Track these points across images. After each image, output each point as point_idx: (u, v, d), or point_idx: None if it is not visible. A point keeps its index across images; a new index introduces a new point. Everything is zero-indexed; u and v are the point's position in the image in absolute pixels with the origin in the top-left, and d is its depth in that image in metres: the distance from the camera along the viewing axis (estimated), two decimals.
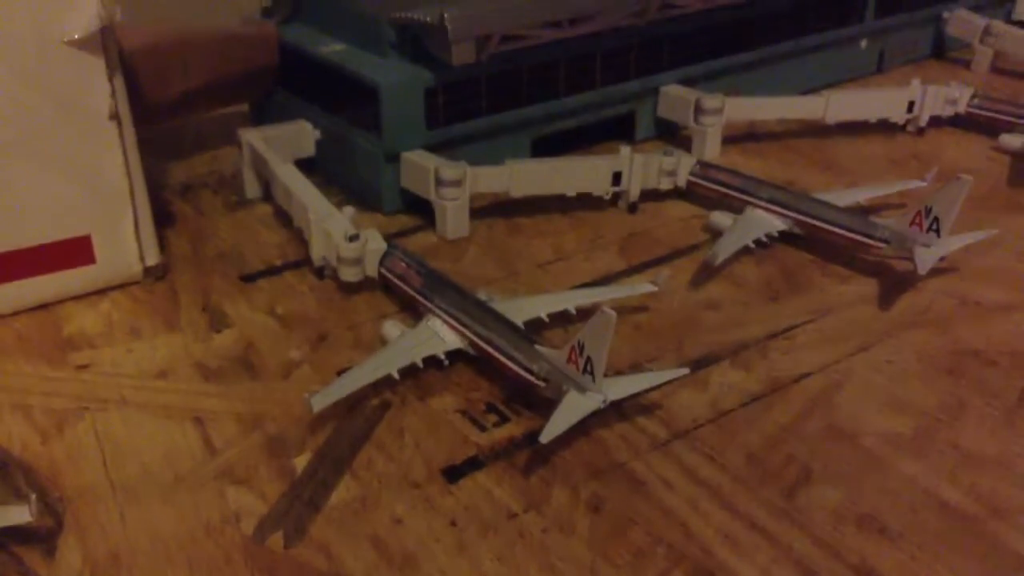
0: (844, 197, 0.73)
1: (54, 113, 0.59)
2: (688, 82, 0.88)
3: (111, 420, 0.53)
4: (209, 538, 0.46)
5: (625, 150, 0.75)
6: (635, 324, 0.62)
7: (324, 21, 0.81)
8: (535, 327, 0.59)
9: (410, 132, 0.74)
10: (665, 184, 0.77)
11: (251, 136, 0.77)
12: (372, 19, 0.75)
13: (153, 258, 0.66)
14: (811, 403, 0.54)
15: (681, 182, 0.77)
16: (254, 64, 0.81)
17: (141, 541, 0.45)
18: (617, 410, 0.53)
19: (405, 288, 0.61)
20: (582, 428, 0.51)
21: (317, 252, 0.66)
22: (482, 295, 0.60)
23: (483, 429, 0.53)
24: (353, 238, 0.63)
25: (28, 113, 0.59)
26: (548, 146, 0.83)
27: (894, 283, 0.66)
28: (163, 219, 0.74)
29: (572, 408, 0.49)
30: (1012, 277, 0.67)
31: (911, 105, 0.89)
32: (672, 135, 0.90)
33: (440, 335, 0.57)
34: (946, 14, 1.08)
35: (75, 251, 0.63)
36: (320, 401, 0.51)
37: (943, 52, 1.12)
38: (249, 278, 0.68)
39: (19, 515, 0.45)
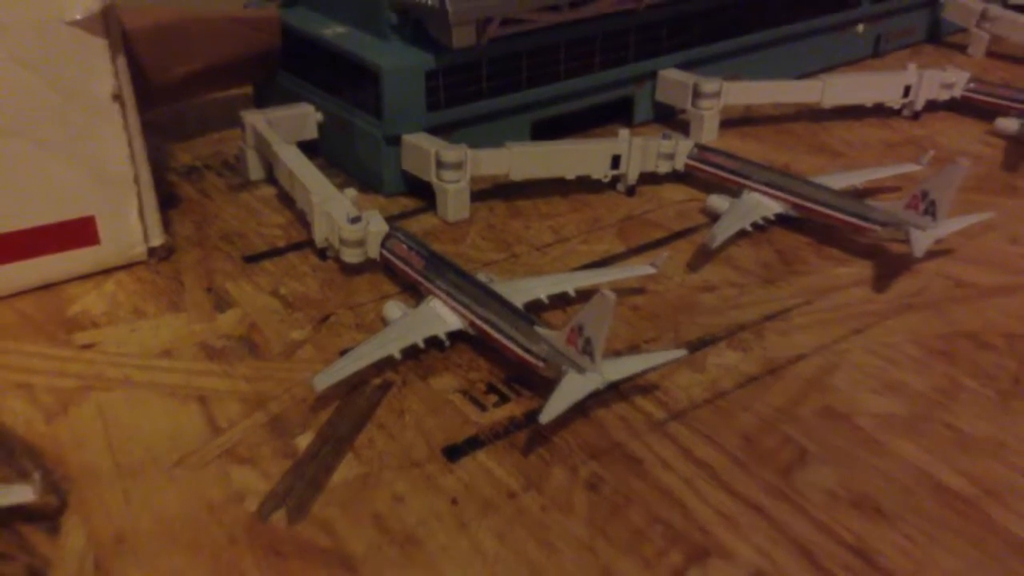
0: (840, 180, 0.73)
1: (57, 94, 0.59)
2: (686, 66, 0.88)
3: (115, 400, 0.53)
4: (212, 517, 0.46)
5: (624, 133, 0.75)
6: (633, 306, 0.62)
7: (326, 4, 0.81)
8: (535, 308, 0.59)
9: (411, 115, 0.74)
10: (663, 167, 0.77)
11: (254, 118, 0.77)
12: (374, 2, 0.75)
13: (157, 239, 0.66)
14: (807, 384, 0.54)
15: (679, 165, 0.77)
16: (257, 46, 0.80)
17: (145, 520, 0.45)
18: (615, 391, 0.54)
19: (406, 269, 0.62)
20: (581, 408, 0.51)
21: (319, 234, 0.66)
22: (482, 277, 0.60)
23: (483, 409, 0.53)
24: (355, 220, 0.63)
25: (30, 94, 0.58)
26: (548, 129, 0.82)
27: (890, 266, 0.66)
28: (167, 200, 0.74)
29: (571, 389, 0.49)
30: (1007, 260, 0.67)
31: (907, 89, 0.89)
32: (670, 119, 0.90)
33: (441, 316, 0.57)
34: None
35: (79, 232, 0.63)
36: (322, 381, 0.52)
37: (939, 36, 1.12)
38: (252, 259, 0.68)
39: (23, 494, 0.45)
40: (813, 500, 0.46)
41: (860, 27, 1.03)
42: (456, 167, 0.71)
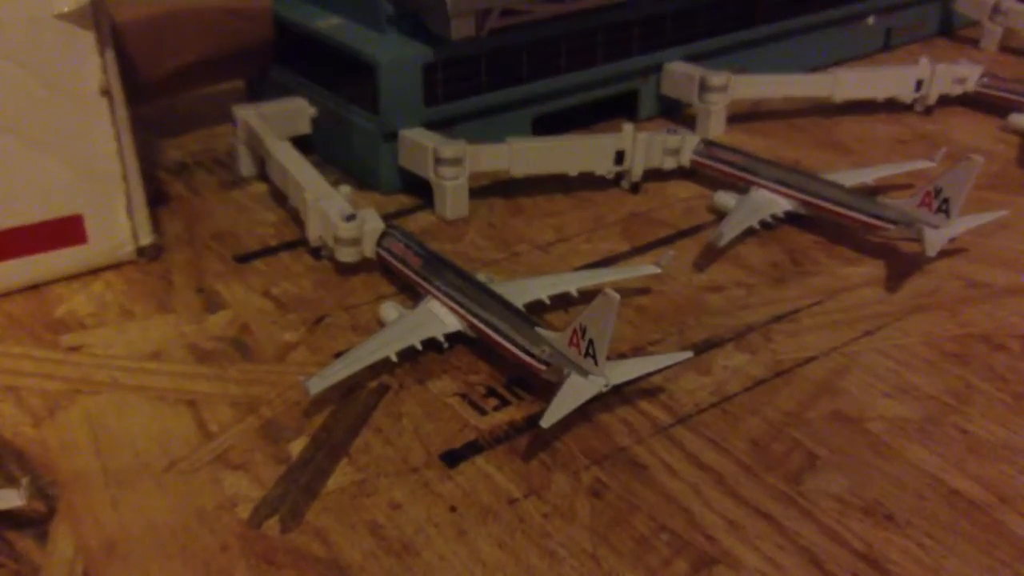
0: (851, 177, 0.72)
1: (43, 89, 0.58)
2: (692, 59, 0.87)
3: (103, 403, 0.53)
4: (204, 525, 0.45)
5: (628, 128, 0.74)
6: (638, 306, 0.61)
7: None
8: (536, 309, 0.59)
9: (408, 109, 0.73)
10: (669, 163, 0.76)
11: (246, 113, 0.76)
12: None
13: (146, 238, 0.66)
14: (817, 387, 0.54)
15: (685, 161, 0.76)
16: (250, 39, 0.80)
17: (135, 527, 0.45)
18: (619, 394, 0.53)
19: (403, 269, 0.61)
20: (584, 412, 0.51)
21: (313, 232, 0.65)
22: (482, 277, 0.60)
23: (483, 413, 0.52)
24: (350, 218, 0.63)
25: (16, 89, 0.58)
26: (549, 124, 0.82)
27: (902, 265, 0.65)
28: (157, 198, 0.74)
29: (574, 392, 0.49)
30: (1022, 259, 0.66)
31: (919, 84, 0.89)
32: (676, 113, 0.90)
33: (439, 317, 0.57)
34: None
35: (66, 231, 0.62)
36: (317, 384, 0.51)
37: (951, 30, 1.12)
38: (244, 258, 0.67)
39: (10, 499, 0.44)
40: (822, 506, 0.46)
41: (871, 20, 1.02)
42: (455, 163, 0.70)
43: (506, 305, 0.55)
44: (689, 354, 0.54)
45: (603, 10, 0.79)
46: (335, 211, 0.63)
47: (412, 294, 0.61)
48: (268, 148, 0.72)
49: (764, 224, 0.69)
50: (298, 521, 0.45)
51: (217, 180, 0.79)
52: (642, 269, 0.62)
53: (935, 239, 0.62)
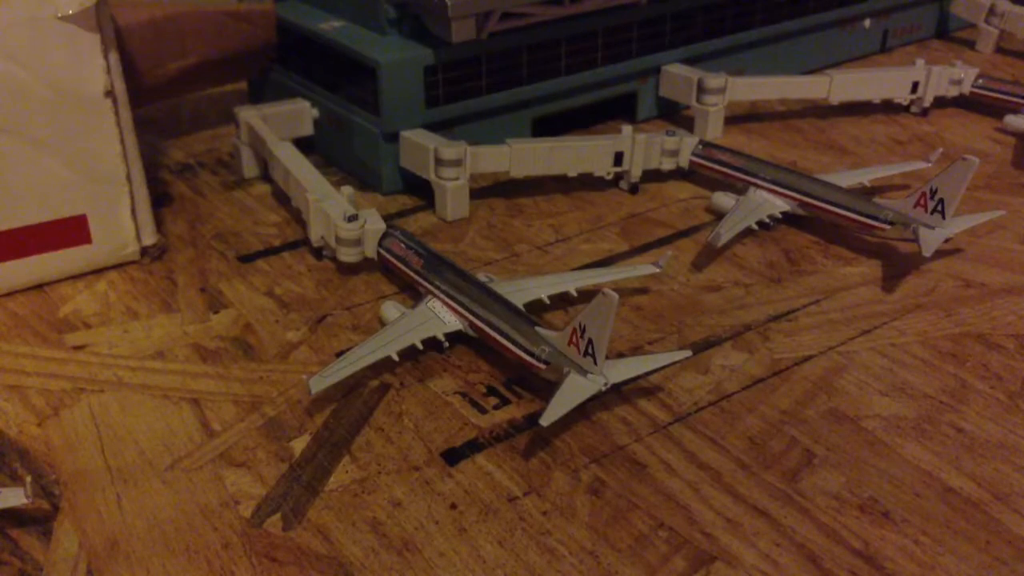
0: (847, 178, 0.72)
1: (48, 91, 0.59)
2: (690, 61, 0.87)
3: (108, 402, 0.53)
4: (207, 522, 0.45)
5: (627, 130, 0.74)
6: (636, 306, 0.61)
7: None
8: (536, 309, 0.59)
9: (409, 111, 0.73)
10: (667, 164, 0.76)
11: (248, 114, 0.76)
12: None
13: (150, 238, 0.66)
14: (814, 386, 0.54)
15: (683, 162, 0.76)
16: (252, 41, 0.80)
17: (138, 525, 0.45)
18: (618, 393, 0.53)
19: (404, 269, 0.61)
20: (583, 411, 0.51)
21: (315, 233, 0.65)
22: (482, 276, 0.60)
23: (483, 412, 0.52)
24: (352, 218, 0.63)
25: (21, 91, 0.58)
26: (549, 126, 0.82)
27: (898, 265, 0.66)
28: (160, 199, 0.74)
29: (573, 391, 0.49)
30: (1017, 259, 0.66)
31: (915, 85, 0.89)
32: (674, 115, 0.90)
33: (440, 317, 0.57)
34: None
35: (71, 231, 0.63)
36: (318, 383, 0.51)
37: (947, 32, 1.11)
38: (247, 259, 0.67)
39: (14, 498, 0.44)
40: (819, 504, 0.46)
41: (867, 22, 1.02)
42: (455, 164, 0.70)
43: (506, 305, 0.55)
44: (687, 353, 0.54)
45: (602, 13, 0.79)
46: (337, 212, 0.63)
47: (413, 294, 0.61)
48: (270, 149, 0.72)
49: (762, 224, 0.69)
50: (300, 519, 0.45)
51: (220, 181, 0.78)
52: (641, 269, 0.62)
53: (931, 239, 0.62)
